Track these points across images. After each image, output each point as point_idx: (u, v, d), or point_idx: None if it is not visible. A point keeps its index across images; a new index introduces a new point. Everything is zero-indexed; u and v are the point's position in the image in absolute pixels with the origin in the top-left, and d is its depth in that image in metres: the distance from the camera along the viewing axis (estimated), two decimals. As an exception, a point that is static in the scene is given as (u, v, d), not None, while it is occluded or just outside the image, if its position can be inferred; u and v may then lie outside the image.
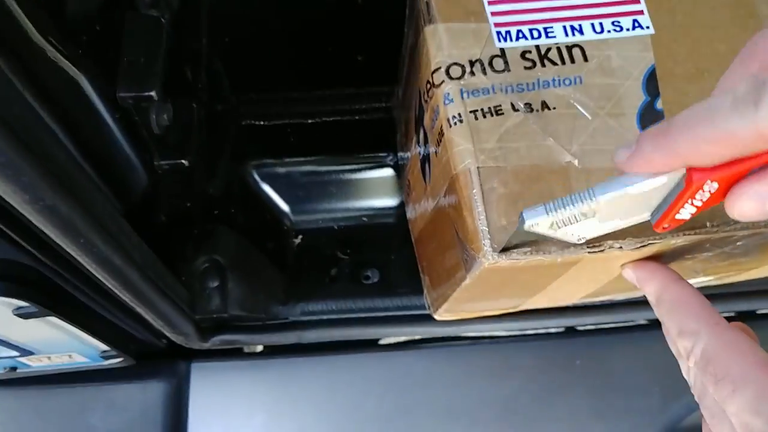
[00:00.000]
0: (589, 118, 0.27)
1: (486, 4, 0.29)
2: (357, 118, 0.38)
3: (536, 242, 0.25)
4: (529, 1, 0.29)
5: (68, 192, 0.23)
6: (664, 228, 0.21)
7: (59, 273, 0.28)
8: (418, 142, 0.34)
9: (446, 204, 0.29)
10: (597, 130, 0.27)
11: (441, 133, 0.28)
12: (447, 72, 0.28)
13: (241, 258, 0.35)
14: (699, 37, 0.29)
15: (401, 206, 0.39)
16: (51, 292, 0.28)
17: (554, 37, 0.28)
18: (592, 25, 0.29)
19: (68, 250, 0.25)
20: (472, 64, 0.28)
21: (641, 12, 0.29)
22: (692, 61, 0.29)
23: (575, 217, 0.21)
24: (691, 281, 0.32)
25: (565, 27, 0.29)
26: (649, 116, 0.27)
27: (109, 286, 0.28)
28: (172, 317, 0.32)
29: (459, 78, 0.27)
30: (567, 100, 0.27)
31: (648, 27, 0.29)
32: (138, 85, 0.29)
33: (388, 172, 0.38)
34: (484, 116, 0.27)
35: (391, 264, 0.37)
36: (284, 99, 0.39)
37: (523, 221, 0.22)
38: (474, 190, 0.26)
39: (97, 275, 0.27)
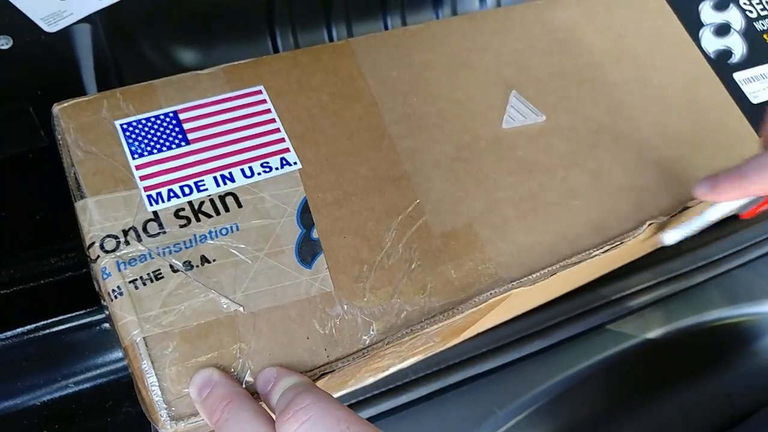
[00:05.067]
0: (250, 262, 0.31)
1: (134, 169, 0.32)
2: (44, 281, 0.39)
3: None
4: (176, 158, 0.33)
5: None
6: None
7: None
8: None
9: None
10: (259, 273, 0.31)
11: (106, 306, 0.30)
12: (101, 246, 0.30)
13: None
14: (342, 164, 0.35)
15: (112, 362, 0.40)
16: None
17: (206, 190, 0.32)
18: (242, 170, 0.33)
19: None
20: (126, 233, 0.31)
21: (287, 150, 0.34)
22: (340, 188, 0.34)
23: None
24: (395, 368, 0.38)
25: (215, 178, 0.33)
26: (306, 248, 0.32)
27: None
28: None
29: (114, 250, 0.30)
30: (226, 249, 0.31)
31: (295, 163, 0.34)
32: None
33: (89, 330, 0.39)
34: (145, 284, 0.30)
35: (109, 427, 0.38)
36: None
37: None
38: (144, 363, 0.29)
39: None
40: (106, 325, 0.41)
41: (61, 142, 0.32)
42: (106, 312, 0.32)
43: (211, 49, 0.50)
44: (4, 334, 0.37)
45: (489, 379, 0.46)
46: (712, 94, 0.44)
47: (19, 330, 0.38)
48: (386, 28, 0.55)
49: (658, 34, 0.45)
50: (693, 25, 0.46)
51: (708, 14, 0.47)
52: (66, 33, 0.38)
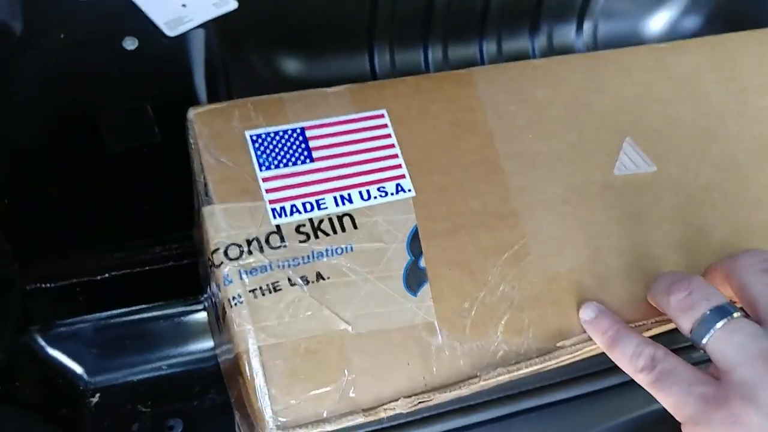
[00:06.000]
0: (361, 283, 0.33)
1: (261, 181, 0.34)
2: (148, 268, 0.42)
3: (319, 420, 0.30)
4: (300, 175, 0.34)
5: None
6: None
7: None
8: (211, 291, 0.38)
9: (238, 370, 0.33)
10: (368, 295, 0.33)
11: (224, 311, 0.32)
12: (225, 253, 0.32)
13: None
14: (454, 195, 0.36)
15: (202, 351, 0.43)
16: None
17: (326, 208, 0.34)
18: (360, 193, 0.35)
19: None
20: (249, 243, 0.32)
21: (403, 176, 0.35)
22: (450, 219, 0.35)
23: None
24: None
25: (335, 197, 0.34)
26: (414, 275, 0.34)
27: None
28: None
29: (237, 258, 0.32)
30: (340, 268, 0.33)
31: (410, 190, 0.35)
32: None
33: (185, 318, 0.42)
34: (263, 294, 0.32)
35: (195, 410, 0.40)
36: (70, 258, 0.41)
37: None
38: (256, 371, 0.30)
39: None
40: (202, 314, 0.43)
41: (193, 146, 0.34)
42: (206, 303, 0.34)
43: (312, 60, 0.52)
44: (111, 312, 0.40)
45: (561, 408, 0.47)
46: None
47: (124, 310, 0.40)
48: (481, 53, 0.56)
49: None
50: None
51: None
52: (184, 37, 0.40)
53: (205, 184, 0.33)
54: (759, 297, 0.30)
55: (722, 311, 0.30)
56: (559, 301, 0.35)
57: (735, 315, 0.30)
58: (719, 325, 0.29)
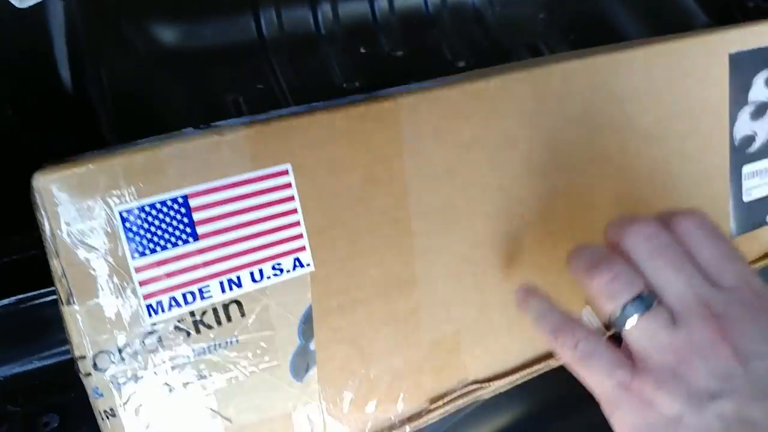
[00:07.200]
0: (245, 377, 0.31)
1: (133, 272, 0.28)
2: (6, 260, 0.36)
3: None
4: (181, 259, 0.29)
5: None
6: None
7: None
8: None
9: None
10: (252, 388, 0.31)
11: (102, 418, 0.29)
12: (93, 363, 0.28)
13: None
14: (357, 266, 0.33)
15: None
16: None
17: (210, 297, 0.30)
18: (252, 274, 0.30)
19: None
20: (120, 350, 0.28)
21: (303, 248, 0.31)
22: (348, 294, 0.33)
23: None
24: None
25: (221, 283, 0.30)
26: (301, 361, 0.32)
27: None
28: None
29: (107, 369, 0.28)
30: (223, 365, 0.30)
31: (309, 264, 0.31)
32: None
33: (53, 307, 0.37)
34: (138, 406, 0.29)
35: (71, 403, 0.38)
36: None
37: None
38: (133, 483, 0.30)
39: None
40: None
41: (44, 226, 0.27)
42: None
43: (191, 27, 0.43)
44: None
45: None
46: (713, 195, 0.43)
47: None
48: (372, 8, 0.48)
49: (702, 112, 0.41)
50: (737, 102, 0.43)
51: (758, 91, 0.44)
52: (38, 9, 0.29)
53: (64, 278, 0.27)
54: (660, 286, 0.32)
55: (642, 302, 0.31)
56: (439, 364, 0.36)
57: (653, 306, 0.31)
58: (638, 315, 0.31)
